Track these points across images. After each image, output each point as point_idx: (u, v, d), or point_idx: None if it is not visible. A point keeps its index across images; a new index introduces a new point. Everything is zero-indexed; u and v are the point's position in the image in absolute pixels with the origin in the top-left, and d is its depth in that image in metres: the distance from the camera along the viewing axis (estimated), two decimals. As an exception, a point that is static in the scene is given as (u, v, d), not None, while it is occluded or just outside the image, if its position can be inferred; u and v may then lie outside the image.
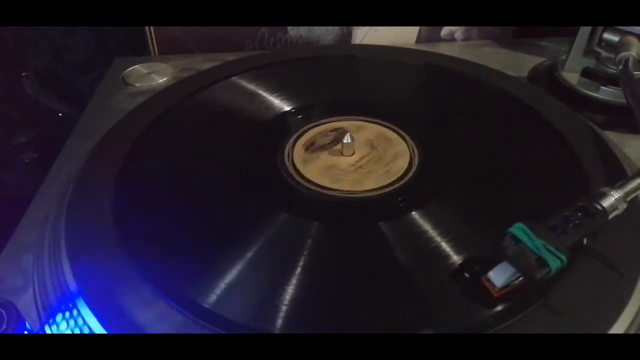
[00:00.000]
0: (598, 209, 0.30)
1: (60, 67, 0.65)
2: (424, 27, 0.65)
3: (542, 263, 0.28)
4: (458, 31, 0.66)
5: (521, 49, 0.60)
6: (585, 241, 0.30)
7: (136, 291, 0.30)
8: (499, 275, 0.29)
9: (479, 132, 0.43)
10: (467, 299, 0.29)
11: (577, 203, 0.30)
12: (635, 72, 0.44)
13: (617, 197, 0.31)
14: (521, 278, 0.28)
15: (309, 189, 0.38)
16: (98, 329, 0.29)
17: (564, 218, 0.29)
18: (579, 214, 0.30)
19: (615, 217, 0.31)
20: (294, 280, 0.31)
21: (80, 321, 0.30)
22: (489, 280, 0.29)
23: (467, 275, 0.31)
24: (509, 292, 0.29)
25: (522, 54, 0.60)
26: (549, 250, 0.28)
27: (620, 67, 0.44)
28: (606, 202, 0.30)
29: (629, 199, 0.31)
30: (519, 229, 0.28)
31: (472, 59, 0.54)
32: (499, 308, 0.29)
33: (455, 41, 0.66)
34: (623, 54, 0.45)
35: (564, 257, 0.28)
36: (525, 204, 0.35)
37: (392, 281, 0.31)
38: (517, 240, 0.28)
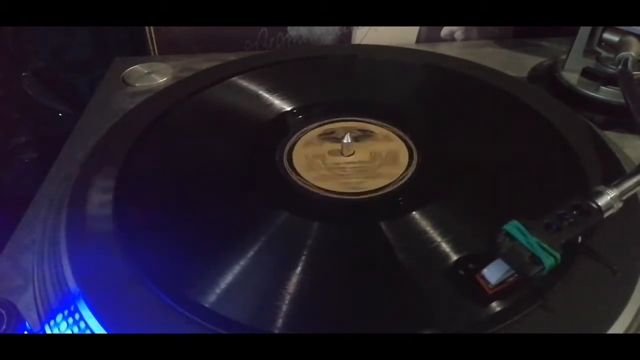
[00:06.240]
0: (593, 207, 0.30)
1: (60, 67, 0.65)
2: (424, 27, 0.65)
3: (536, 260, 0.27)
4: (458, 31, 0.66)
5: (521, 49, 0.60)
6: (580, 239, 0.30)
7: (136, 291, 0.30)
8: (493, 273, 0.29)
9: (478, 132, 0.43)
10: (467, 299, 0.29)
11: (572, 201, 0.30)
12: (634, 72, 0.44)
13: (612, 195, 0.31)
14: (515, 275, 0.28)
15: (309, 188, 0.38)
16: (98, 329, 0.29)
17: (559, 216, 0.29)
18: (574, 212, 0.30)
19: (612, 215, 0.31)
20: (294, 280, 0.31)
21: (80, 321, 0.30)
22: (483, 278, 0.29)
23: (461, 272, 0.31)
24: (503, 289, 0.29)
25: (522, 54, 0.60)
26: (543, 248, 0.28)
27: (620, 67, 0.44)
28: (602, 201, 0.30)
29: (624, 197, 0.31)
30: (513, 226, 0.28)
31: (472, 59, 0.54)
32: (498, 308, 0.29)
33: (455, 41, 0.66)
34: (622, 53, 0.45)
35: (557, 255, 0.28)
36: (525, 204, 0.35)
37: (392, 281, 0.31)
38: (511, 237, 0.28)
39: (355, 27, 0.64)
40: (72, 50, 0.64)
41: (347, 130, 0.43)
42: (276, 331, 0.28)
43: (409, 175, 0.39)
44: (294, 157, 0.41)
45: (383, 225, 0.34)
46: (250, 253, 0.33)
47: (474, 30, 0.66)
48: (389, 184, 0.38)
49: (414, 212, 0.35)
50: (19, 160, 0.65)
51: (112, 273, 0.32)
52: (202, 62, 0.57)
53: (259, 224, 0.35)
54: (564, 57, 0.52)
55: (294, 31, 0.64)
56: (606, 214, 0.30)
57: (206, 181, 0.40)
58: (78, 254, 0.33)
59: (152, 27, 0.61)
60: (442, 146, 0.42)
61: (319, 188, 0.38)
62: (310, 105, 0.47)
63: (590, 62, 0.49)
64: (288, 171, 0.40)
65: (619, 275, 0.29)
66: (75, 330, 0.30)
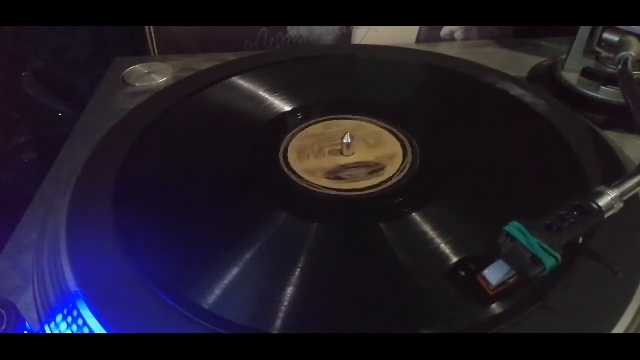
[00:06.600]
0: (594, 207, 0.30)
1: (60, 67, 0.65)
2: (424, 27, 0.65)
3: (537, 261, 0.27)
4: (458, 31, 0.66)
5: (521, 49, 0.60)
6: (581, 240, 0.30)
7: (136, 291, 0.30)
8: (494, 274, 0.29)
9: (478, 132, 0.43)
10: (468, 300, 0.29)
11: (573, 202, 0.30)
12: (634, 72, 0.44)
13: (613, 196, 0.31)
14: (516, 276, 0.28)
15: (309, 189, 0.38)
16: (98, 329, 0.29)
17: (560, 217, 0.29)
18: (575, 213, 0.30)
19: (612, 216, 0.31)
20: (293, 280, 0.31)
21: (80, 321, 0.30)
22: (484, 279, 0.29)
23: (462, 273, 0.31)
24: (504, 290, 0.29)
25: (522, 54, 0.60)
26: (544, 249, 0.28)
27: (620, 67, 0.44)
28: (602, 201, 0.30)
29: (625, 198, 0.31)
30: (514, 227, 0.28)
31: (472, 59, 0.54)
32: (500, 309, 0.29)
33: (455, 41, 0.66)
34: (622, 54, 0.45)
35: (558, 256, 0.28)
36: (525, 204, 0.35)
37: (392, 281, 0.31)
38: (512, 238, 0.28)
39: (355, 27, 0.64)
40: (72, 50, 0.64)
41: (347, 129, 0.43)
42: (276, 331, 0.28)
43: (409, 176, 0.39)
44: (293, 156, 0.41)
45: (383, 226, 0.34)
46: (250, 253, 0.33)
47: (474, 30, 0.66)
48: (389, 184, 0.38)
49: (414, 213, 0.35)
50: (19, 160, 0.65)
51: (112, 273, 0.32)
52: (202, 62, 0.57)
53: (258, 224, 0.35)
54: (564, 57, 0.52)
55: (294, 31, 0.64)
56: (607, 215, 0.30)
57: (206, 181, 0.40)
58: (78, 254, 0.33)
59: (152, 27, 0.61)
60: (442, 146, 0.42)
61: (319, 188, 0.38)
62: (310, 105, 0.47)
63: (590, 62, 0.49)
64: (288, 171, 0.40)
65: (620, 275, 0.29)
66: (76, 331, 0.30)
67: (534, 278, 0.28)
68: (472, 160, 0.40)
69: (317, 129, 0.44)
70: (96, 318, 0.29)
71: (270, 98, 0.48)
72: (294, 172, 0.40)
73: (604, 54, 0.49)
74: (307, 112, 0.46)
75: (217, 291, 0.30)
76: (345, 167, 0.40)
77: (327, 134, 0.44)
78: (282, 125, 0.45)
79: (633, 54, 0.45)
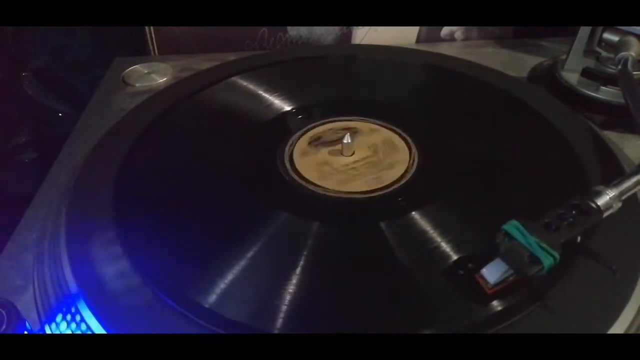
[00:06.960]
0: (592, 207, 0.30)
1: (60, 67, 0.65)
2: (424, 27, 0.65)
3: (535, 260, 0.28)
4: (458, 31, 0.66)
5: (521, 49, 0.60)
6: (579, 239, 0.30)
7: (136, 291, 0.30)
8: (492, 272, 0.29)
9: (478, 132, 0.43)
10: (466, 299, 0.29)
11: (571, 201, 0.30)
12: (634, 72, 0.44)
13: (612, 195, 0.31)
14: (515, 275, 0.28)
15: (309, 188, 0.38)
16: (98, 329, 0.29)
17: (559, 216, 0.29)
18: (574, 212, 0.30)
19: (611, 215, 0.31)
20: (293, 280, 0.31)
21: (80, 321, 0.30)
22: (482, 277, 0.29)
23: (461, 272, 0.31)
24: (503, 289, 0.29)
25: (522, 54, 0.60)
26: (542, 248, 0.28)
27: (620, 67, 0.44)
28: (601, 201, 0.30)
29: (624, 197, 0.31)
30: (512, 226, 0.28)
31: (472, 59, 0.54)
32: (498, 307, 0.29)
33: (455, 41, 0.66)
34: (622, 54, 0.45)
35: (556, 255, 0.28)
36: (525, 204, 0.35)
37: (392, 281, 0.31)
38: (510, 237, 0.28)
39: (355, 27, 0.64)
40: (72, 50, 0.64)
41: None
42: (276, 331, 0.28)
43: (409, 175, 0.39)
44: (293, 157, 0.41)
45: (383, 225, 0.34)
46: (250, 253, 0.33)
47: (474, 30, 0.66)
48: (389, 184, 0.38)
49: (414, 212, 0.35)
50: (19, 160, 0.65)
51: (112, 273, 0.32)
52: (202, 62, 0.57)
53: (258, 224, 0.35)
54: (564, 57, 0.52)
55: (294, 31, 0.64)
56: (605, 214, 0.30)
57: (206, 181, 0.40)
58: (78, 254, 0.33)
59: (152, 27, 0.61)
60: (442, 146, 0.42)
61: (319, 188, 0.38)
62: (310, 105, 0.47)
63: (590, 62, 0.49)
64: (288, 171, 0.40)
65: (618, 275, 0.29)
66: (75, 330, 0.30)
67: (532, 277, 0.28)
68: (472, 160, 0.40)
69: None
70: (96, 318, 0.29)
71: (270, 98, 0.48)
72: (294, 172, 0.40)
73: (604, 54, 0.49)
74: (307, 112, 0.46)
75: (217, 291, 0.30)
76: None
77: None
78: (282, 125, 0.45)
79: (633, 54, 0.45)
